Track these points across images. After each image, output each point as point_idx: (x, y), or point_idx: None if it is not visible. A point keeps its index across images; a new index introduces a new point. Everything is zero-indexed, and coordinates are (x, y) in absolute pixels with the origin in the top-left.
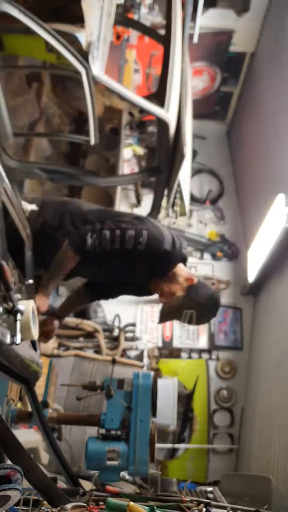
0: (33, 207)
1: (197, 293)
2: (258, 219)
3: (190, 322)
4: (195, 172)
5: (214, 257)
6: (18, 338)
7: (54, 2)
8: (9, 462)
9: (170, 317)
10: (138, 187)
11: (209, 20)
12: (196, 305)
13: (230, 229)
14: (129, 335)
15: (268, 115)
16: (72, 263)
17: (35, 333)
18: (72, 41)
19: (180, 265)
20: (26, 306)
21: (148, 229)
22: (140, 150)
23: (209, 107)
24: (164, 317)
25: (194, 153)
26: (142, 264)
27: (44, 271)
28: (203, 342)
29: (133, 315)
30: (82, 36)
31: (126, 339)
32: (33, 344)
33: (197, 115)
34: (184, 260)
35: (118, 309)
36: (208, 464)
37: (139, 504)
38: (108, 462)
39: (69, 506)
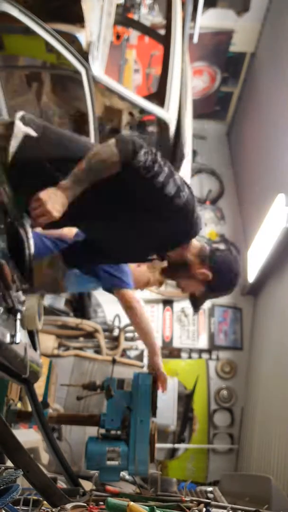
0: (29, 131)
1: (218, 285)
2: (258, 219)
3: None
4: (195, 172)
5: None
6: (18, 338)
7: (54, 2)
8: (9, 462)
9: (203, 304)
10: None
11: (209, 20)
12: (222, 293)
13: (230, 229)
14: (129, 335)
15: (268, 115)
16: (112, 170)
17: (39, 323)
18: (72, 41)
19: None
20: (33, 298)
21: (188, 186)
22: None
23: (209, 107)
24: (197, 307)
25: (194, 153)
26: (170, 226)
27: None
28: (203, 342)
29: None
30: (82, 36)
31: (126, 339)
32: (33, 344)
33: (197, 115)
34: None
35: (118, 309)
36: (208, 464)
37: (139, 504)
38: (108, 462)
39: (69, 506)
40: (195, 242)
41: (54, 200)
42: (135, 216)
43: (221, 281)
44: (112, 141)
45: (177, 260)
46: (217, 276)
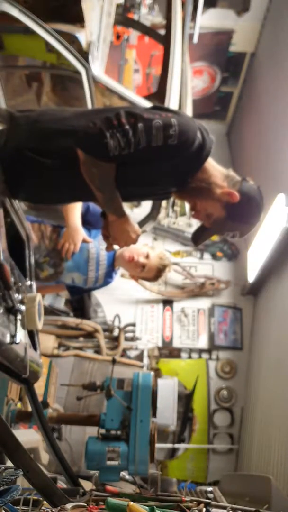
0: None
1: (241, 214)
2: None
3: (232, 237)
4: None
5: (214, 257)
6: (18, 338)
7: (54, 2)
8: (9, 462)
9: (207, 238)
10: None
11: (209, 20)
12: (240, 227)
13: None
14: (129, 335)
15: (268, 115)
16: (111, 171)
17: (39, 323)
18: (72, 41)
19: (211, 161)
20: (33, 298)
21: (177, 115)
22: None
23: (209, 107)
24: (200, 239)
25: None
26: (173, 165)
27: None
28: (203, 342)
29: (133, 315)
30: (82, 36)
31: (126, 339)
32: (33, 344)
33: (197, 115)
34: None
35: (118, 309)
36: (208, 464)
37: (139, 504)
38: (108, 462)
39: (69, 506)
40: (221, 168)
41: (123, 231)
42: (150, 175)
43: (246, 206)
44: (81, 158)
45: (200, 184)
46: (244, 200)
